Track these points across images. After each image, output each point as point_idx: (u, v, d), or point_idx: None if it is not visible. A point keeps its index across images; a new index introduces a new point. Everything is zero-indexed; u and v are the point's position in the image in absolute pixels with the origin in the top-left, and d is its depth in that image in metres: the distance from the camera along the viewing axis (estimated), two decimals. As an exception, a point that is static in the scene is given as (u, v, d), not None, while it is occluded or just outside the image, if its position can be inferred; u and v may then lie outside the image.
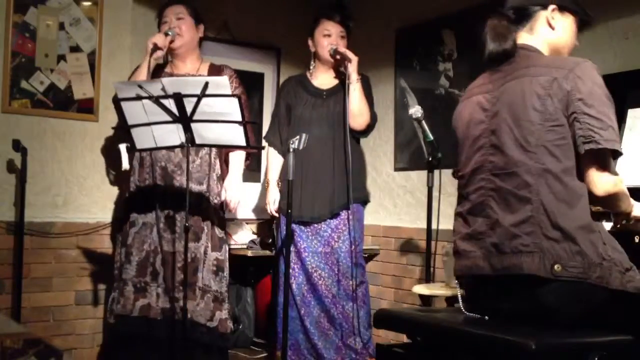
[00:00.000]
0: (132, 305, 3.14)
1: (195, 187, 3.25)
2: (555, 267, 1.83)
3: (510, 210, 1.93)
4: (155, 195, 3.22)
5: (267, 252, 4.35)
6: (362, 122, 3.57)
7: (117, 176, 3.88)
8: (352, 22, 3.69)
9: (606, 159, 1.90)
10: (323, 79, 3.72)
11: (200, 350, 3.20)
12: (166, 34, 3.28)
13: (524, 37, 2.08)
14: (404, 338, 3.03)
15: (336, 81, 3.69)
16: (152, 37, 3.27)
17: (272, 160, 3.74)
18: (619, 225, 2.08)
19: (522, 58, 2.03)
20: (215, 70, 3.46)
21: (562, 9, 2.08)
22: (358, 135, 3.66)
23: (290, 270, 3.48)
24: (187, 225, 2.82)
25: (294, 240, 3.55)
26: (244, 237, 4.50)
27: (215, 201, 3.33)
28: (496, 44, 2.04)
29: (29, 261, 3.56)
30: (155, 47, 3.20)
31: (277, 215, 3.69)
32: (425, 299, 3.21)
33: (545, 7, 2.06)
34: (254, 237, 4.52)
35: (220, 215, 3.36)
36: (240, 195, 3.40)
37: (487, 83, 2.11)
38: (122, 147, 3.28)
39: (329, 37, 3.59)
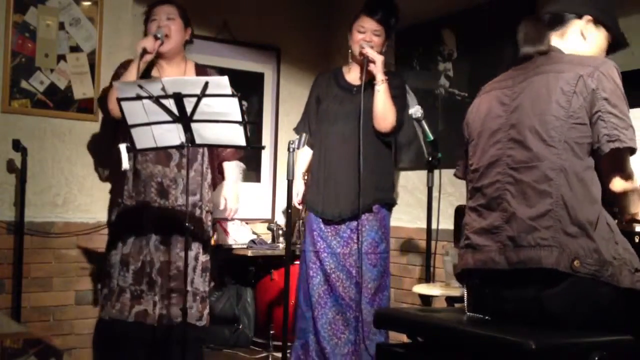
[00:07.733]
0: (128, 311, 3.21)
1: (190, 198, 3.25)
2: (575, 262, 1.85)
3: (528, 204, 1.94)
4: (151, 210, 3.25)
5: (267, 252, 4.36)
6: (385, 125, 3.40)
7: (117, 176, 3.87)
8: (393, 20, 3.52)
9: (626, 157, 1.94)
10: (357, 74, 3.53)
11: (181, 346, 3.26)
12: (156, 37, 3.20)
13: (554, 41, 2.11)
14: (404, 338, 3.03)
15: (369, 78, 3.48)
16: (141, 41, 3.20)
17: (299, 152, 3.62)
18: (624, 223, 2.09)
19: (546, 58, 2.06)
20: (201, 70, 3.44)
21: (597, 21, 2.11)
22: (382, 137, 3.46)
23: (309, 271, 3.47)
24: (188, 226, 2.85)
25: (313, 240, 3.48)
26: (244, 237, 4.50)
27: (207, 207, 3.39)
28: (530, 46, 2.08)
29: (29, 261, 3.56)
30: (145, 51, 3.14)
31: (299, 206, 3.62)
32: (425, 299, 3.21)
33: (580, 16, 2.10)
34: (254, 237, 4.52)
35: (209, 219, 3.42)
36: (237, 204, 3.50)
37: (506, 79, 2.13)
38: (122, 147, 3.27)
39: (363, 33, 3.44)
